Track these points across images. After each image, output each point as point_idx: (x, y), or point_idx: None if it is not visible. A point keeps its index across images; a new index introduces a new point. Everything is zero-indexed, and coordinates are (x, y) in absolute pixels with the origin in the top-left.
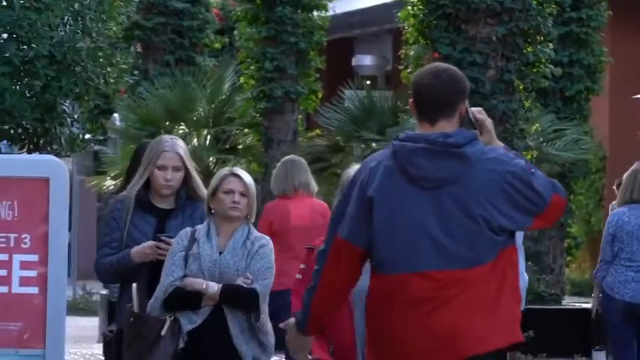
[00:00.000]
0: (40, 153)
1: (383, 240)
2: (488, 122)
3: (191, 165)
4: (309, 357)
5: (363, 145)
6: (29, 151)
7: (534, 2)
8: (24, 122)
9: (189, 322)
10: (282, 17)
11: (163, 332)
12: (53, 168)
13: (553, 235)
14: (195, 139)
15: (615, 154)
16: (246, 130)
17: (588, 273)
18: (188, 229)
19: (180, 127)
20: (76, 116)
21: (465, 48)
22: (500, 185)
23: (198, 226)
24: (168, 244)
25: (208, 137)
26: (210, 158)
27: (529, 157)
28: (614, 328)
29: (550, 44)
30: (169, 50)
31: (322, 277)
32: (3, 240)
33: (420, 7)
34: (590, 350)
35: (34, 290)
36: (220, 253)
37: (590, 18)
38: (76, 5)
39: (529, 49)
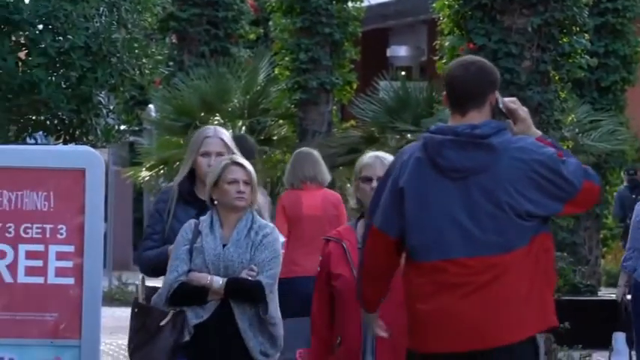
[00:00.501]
0: (76, 144)
1: (415, 229)
2: (523, 111)
3: (236, 152)
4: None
5: (398, 136)
6: (65, 142)
7: None
8: (60, 113)
9: (196, 316)
10: (316, 8)
11: (162, 323)
12: (89, 159)
13: (589, 226)
14: (230, 130)
15: None
16: (280, 121)
17: None
18: (192, 222)
19: (215, 118)
20: (111, 107)
21: (500, 39)
22: (526, 173)
23: (202, 218)
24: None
25: (243, 128)
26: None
27: (565, 147)
28: None
29: (586, 35)
30: (204, 41)
31: (363, 263)
32: (39, 231)
33: None
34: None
35: (70, 281)
36: (224, 246)
37: (625, 8)
38: None
39: (565, 40)
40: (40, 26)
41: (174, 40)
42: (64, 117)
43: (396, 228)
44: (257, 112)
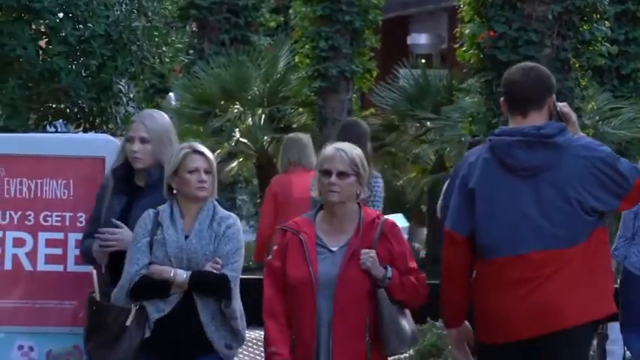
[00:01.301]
0: (96, 132)
1: (485, 227)
2: (573, 116)
3: (167, 139)
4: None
5: (418, 124)
6: (85, 130)
7: None
8: (80, 101)
9: (157, 310)
10: None
11: (128, 322)
12: (109, 147)
13: (610, 215)
14: (250, 119)
15: None
16: (300, 109)
17: None
18: (151, 212)
19: (235, 106)
20: (131, 95)
21: (520, 26)
22: (590, 170)
23: (160, 207)
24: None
25: (263, 116)
26: (265, 137)
27: (586, 134)
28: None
29: (606, 22)
30: (224, 29)
31: (443, 265)
32: (58, 219)
33: None
34: None
35: (89, 269)
36: (186, 237)
37: None
38: None
39: (585, 28)
40: (61, 14)
41: (194, 29)
42: (84, 105)
43: (466, 227)
44: (277, 100)
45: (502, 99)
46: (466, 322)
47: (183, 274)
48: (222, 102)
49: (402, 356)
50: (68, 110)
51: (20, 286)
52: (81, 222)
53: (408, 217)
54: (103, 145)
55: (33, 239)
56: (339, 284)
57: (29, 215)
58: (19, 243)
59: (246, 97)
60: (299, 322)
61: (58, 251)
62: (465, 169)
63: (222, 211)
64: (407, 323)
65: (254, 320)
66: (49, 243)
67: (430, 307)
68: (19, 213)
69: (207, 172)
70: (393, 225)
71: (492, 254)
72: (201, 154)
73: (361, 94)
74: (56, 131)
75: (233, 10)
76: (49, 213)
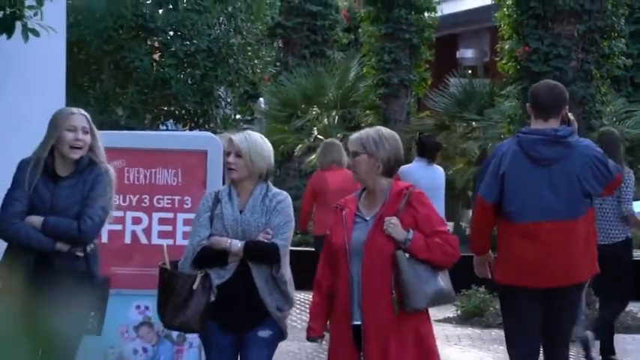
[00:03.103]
0: (199, 130)
1: (512, 200)
2: (575, 122)
3: (94, 129)
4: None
5: (465, 124)
6: (190, 129)
7: (609, 4)
8: (186, 105)
9: (219, 277)
10: (398, 17)
11: (195, 286)
12: (210, 142)
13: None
14: (326, 119)
15: None
16: (367, 111)
17: None
18: (212, 192)
19: (314, 109)
20: (229, 100)
21: (551, 42)
22: (589, 164)
23: (221, 188)
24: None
25: (336, 117)
26: (338, 134)
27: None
28: None
29: (622, 39)
30: (305, 45)
31: (474, 218)
32: (169, 201)
33: (514, 8)
34: None
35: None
36: (241, 212)
37: None
38: (230, 8)
39: (605, 44)
40: (171, 33)
41: (280, 45)
42: (190, 108)
43: (494, 196)
44: (348, 104)
45: (529, 105)
46: (489, 252)
47: (238, 244)
48: (303, 105)
49: (450, 315)
50: (177, 112)
51: (137, 256)
52: (187, 204)
53: (456, 202)
54: (206, 141)
55: (148, 218)
56: (366, 248)
57: (145, 198)
58: (136, 221)
59: (322, 101)
60: (337, 284)
61: (169, 228)
62: (498, 157)
63: (274, 189)
64: (434, 283)
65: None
66: (161, 221)
67: (474, 275)
68: (137, 196)
69: (237, 155)
70: (420, 194)
71: (516, 220)
72: (231, 140)
73: (418, 99)
74: (167, 129)
75: (312, 29)
76: (161, 196)
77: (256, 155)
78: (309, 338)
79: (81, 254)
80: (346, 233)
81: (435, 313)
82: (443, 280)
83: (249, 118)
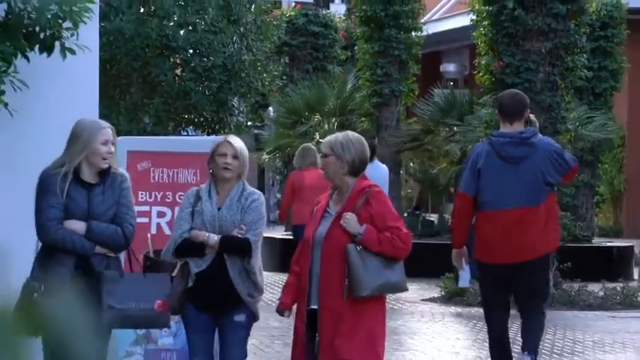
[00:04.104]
0: (216, 135)
1: (485, 192)
2: (536, 122)
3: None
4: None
5: (447, 129)
6: (208, 134)
7: (572, 24)
8: (204, 113)
9: (197, 266)
10: (389, 37)
11: (174, 273)
12: None
13: (586, 192)
14: (326, 125)
15: (632, 134)
16: (362, 118)
17: (611, 221)
18: (195, 189)
19: (316, 116)
20: (241, 109)
21: (522, 58)
22: (549, 158)
23: (202, 185)
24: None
25: (335, 124)
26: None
27: (568, 136)
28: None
29: (584, 55)
30: (308, 61)
31: (455, 212)
32: None
33: (489, 28)
34: (612, 278)
35: None
36: (219, 209)
37: (613, 35)
38: (242, 29)
39: (568, 59)
40: (191, 51)
41: (286, 61)
42: (207, 116)
43: (473, 190)
44: (346, 111)
45: (497, 111)
46: (464, 247)
47: (214, 238)
48: (307, 113)
49: (435, 295)
50: (196, 120)
51: (162, 245)
52: None
53: (440, 197)
54: None
55: (171, 212)
56: (325, 240)
57: (168, 195)
58: (161, 215)
59: (323, 109)
60: (301, 271)
61: None
62: (475, 156)
63: (249, 188)
64: (383, 275)
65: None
66: None
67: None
68: (161, 193)
69: (234, 157)
70: (379, 192)
71: (488, 208)
72: (230, 143)
73: (406, 108)
74: (187, 135)
75: (314, 47)
76: (182, 193)
77: (246, 158)
78: (278, 311)
79: (113, 255)
80: (314, 227)
81: (423, 293)
82: (395, 272)
83: (260, 124)
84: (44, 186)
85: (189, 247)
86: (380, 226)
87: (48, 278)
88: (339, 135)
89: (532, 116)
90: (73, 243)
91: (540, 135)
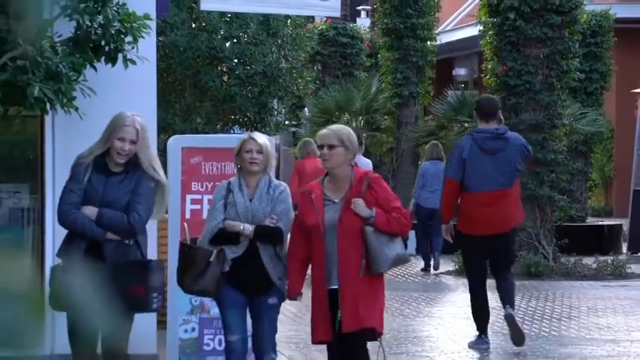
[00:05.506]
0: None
1: (470, 177)
2: (502, 119)
3: (144, 139)
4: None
5: (459, 125)
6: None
7: (566, 33)
8: (248, 114)
9: (232, 252)
10: (407, 46)
11: (211, 259)
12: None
13: (580, 179)
14: (354, 123)
15: (620, 127)
16: (385, 116)
17: (603, 202)
18: (225, 182)
19: (345, 115)
20: (280, 110)
21: (523, 62)
22: (519, 150)
23: (232, 179)
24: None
25: (362, 122)
26: (364, 135)
27: (564, 130)
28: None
29: (577, 59)
30: (338, 68)
31: (444, 194)
32: None
33: (495, 37)
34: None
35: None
36: (250, 200)
37: (602, 42)
38: (279, 41)
39: (563, 63)
40: (235, 60)
41: (319, 68)
42: (250, 116)
43: (459, 176)
44: (371, 111)
45: (475, 112)
46: (450, 223)
47: (249, 228)
48: (337, 113)
49: (451, 269)
50: (240, 120)
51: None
52: None
53: None
54: None
55: None
56: (340, 226)
57: (217, 185)
58: (211, 202)
59: (351, 109)
60: (314, 256)
61: None
62: (461, 148)
63: (275, 181)
64: (394, 250)
65: None
66: None
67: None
68: (211, 184)
69: (259, 152)
70: (377, 178)
71: (473, 190)
72: (254, 139)
73: (423, 107)
74: (234, 133)
75: (343, 55)
76: None
77: (270, 152)
78: (290, 297)
79: (129, 242)
80: (319, 214)
81: (441, 268)
82: (400, 246)
83: (296, 123)
84: (71, 171)
85: (224, 236)
86: (385, 207)
87: (64, 259)
88: (342, 127)
89: (501, 116)
90: (83, 227)
91: (509, 131)
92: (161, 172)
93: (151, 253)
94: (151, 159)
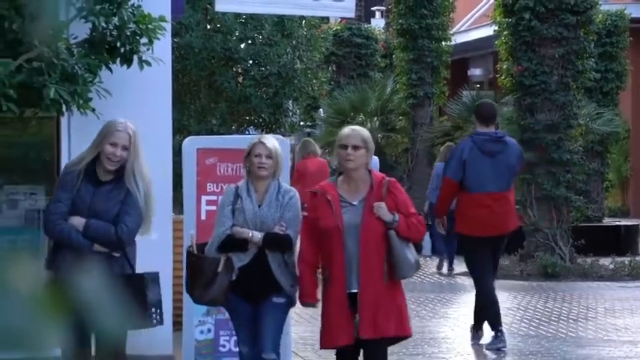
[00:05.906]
0: (273, 134)
1: (469, 178)
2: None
3: (136, 146)
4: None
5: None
6: (266, 133)
7: (582, 32)
8: (263, 115)
9: (239, 260)
10: (422, 46)
11: (219, 269)
12: (280, 144)
13: (596, 179)
14: (369, 124)
15: (636, 127)
16: (400, 117)
17: (619, 203)
18: (233, 187)
19: (359, 116)
20: (295, 111)
21: (538, 62)
22: (516, 153)
23: (239, 183)
24: None
25: (377, 122)
26: (379, 135)
27: (580, 130)
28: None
29: (592, 59)
30: (353, 68)
31: (442, 192)
32: None
33: (510, 37)
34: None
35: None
36: (259, 206)
37: (618, 42)
38: (294, 42)
39: (579, 62)
40: (250, 61)
41: (334, 68)
42: (265, 117)
43: (458, 176)
44: (386, 111)
45: (474, 116)
46: (444, 217)
47: (258, 235)
48: (352, 113)
49: (464, 269)
50: (255, 121)
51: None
52: None
53: None
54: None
55: None
56: (362, 230)
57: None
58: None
59: (366, 110)
60: (332, 259)
61: None
62: (461, 150)
63: (284, 186)
64: (411, 255)
65: None
66: None
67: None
68: (226, 184)
69: (268, 156)
70: (395, 182)
71: (471, 191)
72: (264, 143)
73: (438, 107)
74: (249, 134)
75: (358, 56)
76: None
77: (279, 157)
78: (306, 304)
79: (117, 254)
80: (337, 216)
81: (456, 269)
82: (415, 251)
83: (311, 124)
84: (60, 180)
85: (233, 243)
86: (404, 212)
87: (52, 271)
88: (361, 128)
89: (498, 122)
90: (70, 238)
91: (507, 136)
92: (144, 182)
93: (166, 253)
94: (140, 168)
